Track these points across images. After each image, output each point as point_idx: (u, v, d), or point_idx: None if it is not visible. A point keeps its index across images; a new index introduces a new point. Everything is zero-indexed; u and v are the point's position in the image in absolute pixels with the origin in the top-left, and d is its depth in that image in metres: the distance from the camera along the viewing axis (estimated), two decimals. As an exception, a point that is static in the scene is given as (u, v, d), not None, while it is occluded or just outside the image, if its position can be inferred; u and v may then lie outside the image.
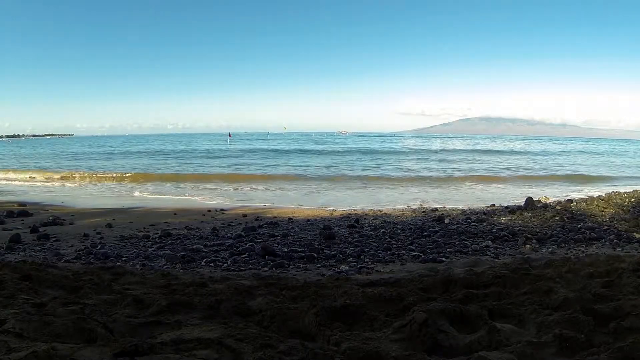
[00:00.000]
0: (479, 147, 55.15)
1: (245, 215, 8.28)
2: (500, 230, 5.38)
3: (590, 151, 46.04)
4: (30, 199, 11.96)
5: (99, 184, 17.28)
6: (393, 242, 4.86)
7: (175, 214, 8.57)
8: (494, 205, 9.76)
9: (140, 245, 4.92)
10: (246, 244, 4.71)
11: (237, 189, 14.88)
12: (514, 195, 13.14)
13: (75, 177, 19.86)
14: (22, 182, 18.35)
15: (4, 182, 18.11)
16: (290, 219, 7.78)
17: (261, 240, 4.95)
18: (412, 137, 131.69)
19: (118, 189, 15.05)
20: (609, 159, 36.07)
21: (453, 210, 9.04)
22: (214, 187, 15.28)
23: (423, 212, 8.52)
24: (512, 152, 46.01)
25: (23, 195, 13.42)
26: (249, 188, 15.02)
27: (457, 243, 4.81)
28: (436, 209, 9.04)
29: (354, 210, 9.41)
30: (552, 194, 13.68)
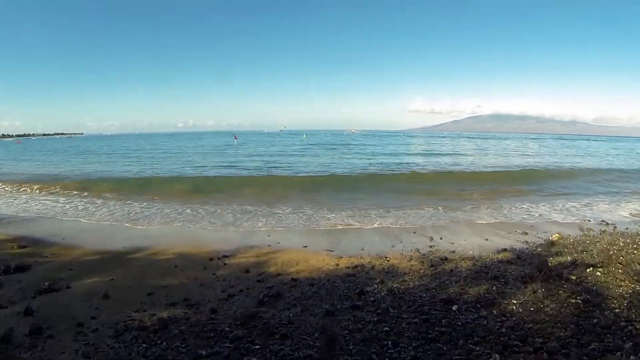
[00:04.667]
0: (491, 150, 54.50)
1: (247, 271, 8.14)
2: (511, 330, 5.08)
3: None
4: (31, 232, 12.08)
5: (104, 200, 17.80)
6: (395, 353, 4.66)
7: (176, 266, 8.53)
8: (505, 251, 9.49)
9: (133, 350, 4.82)
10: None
11: (242, 207, 15.58)
12: (530, 222, 13.17)
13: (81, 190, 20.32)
14: (21, 195, 18.90)
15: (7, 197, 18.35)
16: (293, 280, 7.58)
17: (259, 349, 4.79)
18: (424, 135, 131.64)
19: (127, 211, 15.38)
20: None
21: (463, 258, 8.78)
22: (218, 206, 16.03)
23: (432, 266, 8.24)
24: (525, 155, 45.61)
25: (23, 224, 13.65)
26: (253, 209, 15.40)
27: (462, 353, 4.59)
28: (445, 259, 8.78)
29: (360, 257, 9.18)
30: (567, 214, 13.48)
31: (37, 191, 20.72)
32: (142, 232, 12.20)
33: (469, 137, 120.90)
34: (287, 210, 15.13)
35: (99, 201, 17.67)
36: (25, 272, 8.10)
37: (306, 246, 10.30)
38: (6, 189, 21.65)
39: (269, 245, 10.40)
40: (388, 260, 8.82)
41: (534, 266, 7.70)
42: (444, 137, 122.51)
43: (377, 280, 7.38)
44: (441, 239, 11.00)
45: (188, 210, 15.35)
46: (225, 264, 8.77)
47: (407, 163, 32.03)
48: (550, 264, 7.83)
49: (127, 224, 13.43)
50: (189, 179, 23.98)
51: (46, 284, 7.11)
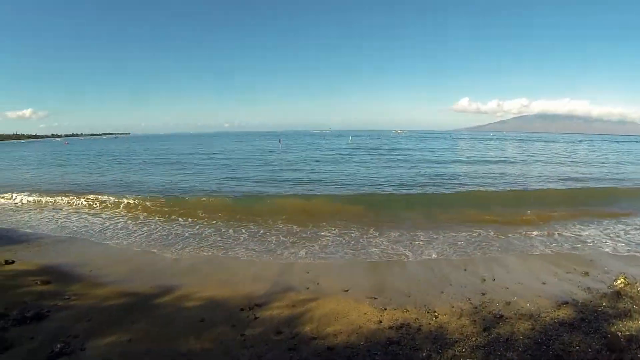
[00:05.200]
0: (541, 156, 51.79)
1: (279, 332, 7.21)
2: None
3: None
4: (58, 260, 11.73)
5: (147, 216, 17.79)
6: None
7: (202, 320, 7.73)
8: (566, 304, 8.16)
9: None
10: None
11: (287, 228, 15.28)
12: (590, 253, 12.00)
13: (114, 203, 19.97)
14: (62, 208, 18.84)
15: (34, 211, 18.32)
16: (329, 349, 6.58)
17: None
18: (470, 138, 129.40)
19: (166, 232, 15.16)
20: None
21: (520, 316, 7.58)
22: (262, 226, 15.65)
23: (485, 330, 7.05)
24: (578, 162, 43.13)
25: (53, 247, 13.39)
26: (298, 229, 15.07)
27: None
28: (500, 317, 7.60)
29: (405, 310, 8.15)
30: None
31: (80, 203, 20.70)
32: (173, 265, 11.51)
33: (515, 139, 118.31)
34: (332, 233, 14.46)
35: (141, 216, 17.74)
36: (42, 321, 7.49)
37: (347, 290, 9.30)
38: (50, 201, 21.62)
39: (307, 288, 9.45)
40: (436, 317, 7.71)
41: (603, 341, 6.47)
42: (490, 138, 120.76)
43: (424, 354, 6.32)
44: (494, 280, 9.80)
45: (230, 231, 14.93)
46: (256, 318, 7.86)
47: (455, 174, 30.39)
48: (621, 337, 6.60)
49: (158, 251, 12.90)
50: (236, 192, 23.29)
51: (58, 346, 6.44)
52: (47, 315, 7.71)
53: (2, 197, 22.78)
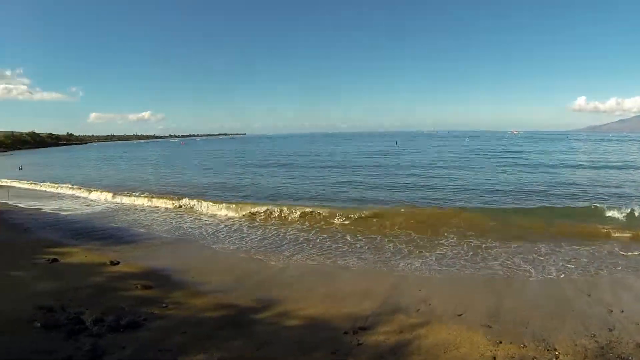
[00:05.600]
0: None
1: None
2: None
3: None
4: (163, 263, 12.10)
5: (265, 219, 18.08)
6: None
7: (301, 342, 7.10)
8: None
9: None
10: None
11: (405, 234, 14.83)
12: None
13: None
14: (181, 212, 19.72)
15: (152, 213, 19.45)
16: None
17: None
18: (590, 139, 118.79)
19: (280, 236, 15.40)
20: None
21: None
22: (379, 234, 15.15)
23: None
24: None
25: (160, 250, 13.89)
26: (416, 237, 14.54)
27: None
28: None
29: (522, 345, 6.73)
30: None
31: (192, 205, 21.75)
32: (277, 274, 11.21)
33: (637, 140, 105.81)
34: (450, 242, 13.80)
35: (257, 220, 18.14)
36: (136, 330, 7.42)
37: (461, 314, 8.17)
38: (164, 201, 23.12)
39: (418, 310, 8.47)
40: (557, 357, 6.40)
41: None
42: (609, 139, 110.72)
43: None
44: (622, 311, 8.23)
45: (347, 237, 14.73)
46: (359, 344, 7.01)
47: (575, 181, 27.17)
48: None
49: (264, 257, 12.82)
50: (350, 197, 22.94)
51: (147, 361, 6.22)
52: (142, 324, 7.66)
53: (119, 196, 24.64)
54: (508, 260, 11.66)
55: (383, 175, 33.13)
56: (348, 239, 14.50)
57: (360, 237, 14.53)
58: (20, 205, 24.86)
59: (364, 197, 22.73)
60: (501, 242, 13.42)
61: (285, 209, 18.54)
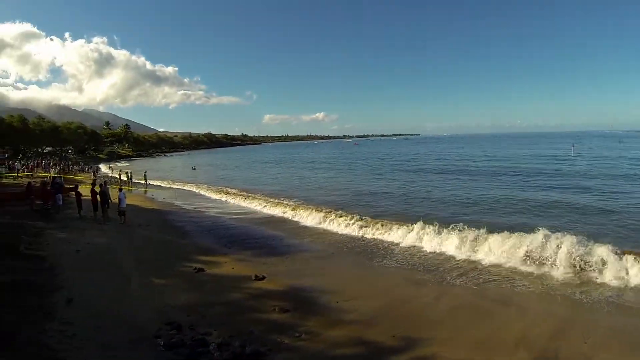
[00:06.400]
0: None
1: None
2: None
3: None
4: (309, 283, 12.07)
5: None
6: None
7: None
8: None
9: None
10: None
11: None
12: None
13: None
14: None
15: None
16: None
17: None
18: None
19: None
20: None
21: None
22: None
23: None
24: None
25: (312, 265, 14.04)
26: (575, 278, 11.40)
27: None
28: None
29: None
30: None
31: (353, 217, 20.87)
32: (429, 305, 10.41)
33: None
34: None
35: (425, 236, 16.23)
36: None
37: None
38: (325, 213, 22.50)
39: None
40: None
41: None
42: None
43: None
44: None
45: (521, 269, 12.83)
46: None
47: None
48: None
49: (421, 278, 12.26)
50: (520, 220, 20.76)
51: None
52: (265, 355, 7.56)
53: (279, 206, 25.51)
54: None
55: (558, 189, 28.16)
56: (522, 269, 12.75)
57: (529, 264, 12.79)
58: (185, 207, 28.02)
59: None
60: None
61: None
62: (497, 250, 13.86)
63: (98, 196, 19.67)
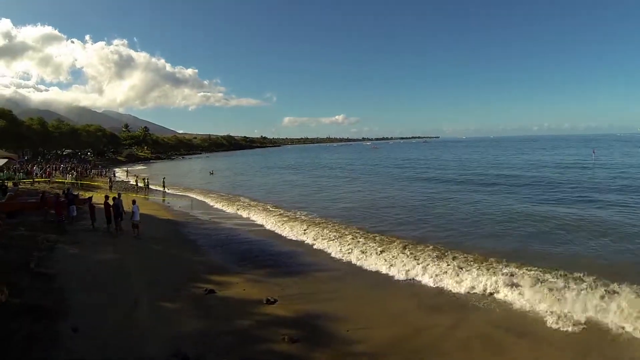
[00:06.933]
0: None
1: None
2: None
3: None
4: (316, 308, 11.83)
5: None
6: None
7: None
8: None
9: None
10: None
11: None
12: None
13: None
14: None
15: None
16: None
17: None
18: None
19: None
20: None
21: None
22: None
23: None
24: None
25: (316, 289, 13.62)
26: None
27: None
28: None
29: None
30: None
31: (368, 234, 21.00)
32: (441, 336, 10.06)
33: None
34: None
35: (450, 257, 15.62)
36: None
37: None
38: (341, 230, 22.45)
39: None
40: None
41: None
42: None
43: None
44: None
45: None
46: None
47: None
48: None
49: (440, 302, 11.59)
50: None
51: None
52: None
53: (290, 222, 25.07)
54: None
55: (579, 202, 27.20)
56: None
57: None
58: (200, 217, 28.16)
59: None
60: None
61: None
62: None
63: (112, 208, 19.72)
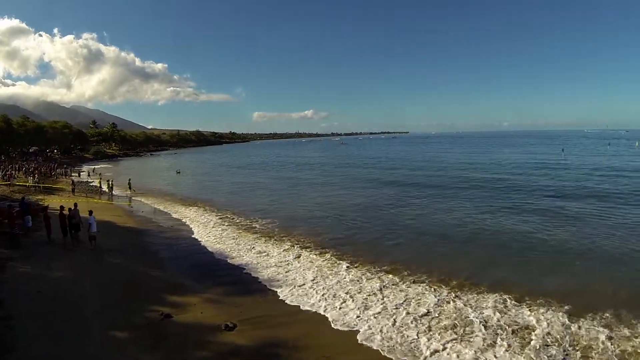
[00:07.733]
0: None
1: None
2: None
3: None
4: (279, 336, 11.33)
5: None
6: None
7: None
8: None
9: None
10: None
11: None
12: None
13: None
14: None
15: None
16: None
17: None
18: None
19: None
20: None
21: None
22: None
23: None
24: None
25: (279, 312, 13.00)
26: None
27: None
28: None
29: None
30: None
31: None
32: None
33: None
34: None
35: (443, 289, 14.49)
36: None
37: None
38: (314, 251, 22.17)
39: None
40: None
41: None
42: None
43: None
44: None
45: None
46: None
47: None
48: None
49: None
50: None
51: None
52: None
53: (250, 231, 24.44)
54: None
55: (557, 214, 26.13)
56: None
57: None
58: (162, 224, 27.56)
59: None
60: None
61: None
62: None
63: (67, 219, 18.89)
